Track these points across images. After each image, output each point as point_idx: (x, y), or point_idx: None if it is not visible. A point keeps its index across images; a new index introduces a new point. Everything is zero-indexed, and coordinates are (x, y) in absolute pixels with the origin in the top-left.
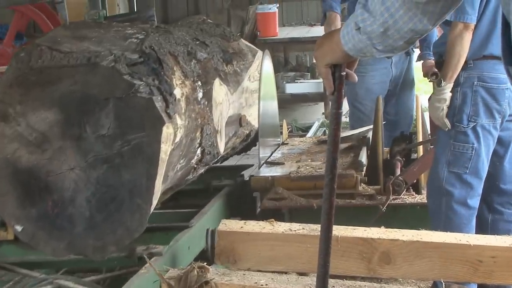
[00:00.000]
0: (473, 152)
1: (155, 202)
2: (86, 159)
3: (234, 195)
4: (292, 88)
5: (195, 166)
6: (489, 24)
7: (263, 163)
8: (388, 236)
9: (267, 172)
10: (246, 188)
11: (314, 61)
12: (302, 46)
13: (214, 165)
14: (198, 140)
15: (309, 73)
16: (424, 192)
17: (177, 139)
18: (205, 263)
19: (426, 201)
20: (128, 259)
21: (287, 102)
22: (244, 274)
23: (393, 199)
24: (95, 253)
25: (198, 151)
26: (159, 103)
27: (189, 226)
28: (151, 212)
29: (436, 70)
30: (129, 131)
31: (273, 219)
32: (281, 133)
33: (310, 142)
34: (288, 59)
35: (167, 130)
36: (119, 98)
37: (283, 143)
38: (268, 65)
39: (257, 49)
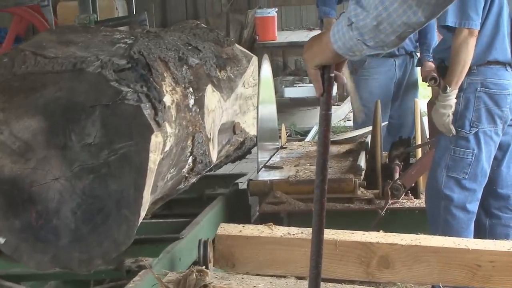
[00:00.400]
0: (473, 157)
1: (143, 213)
2: (72, 169)
3: (228, 204)
4: (290, 92)
5: (187, 175)
6: (492, 29)
7: (261, 167)
8: (386, 240)
9: (265, 176)
10: (240, 197)
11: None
12: (301, 50)
13: (208, 173)
14: (190, 149)
15: (308, 78)
16: (423, 196)
17: (167, 148)
18: (204, 267)
19: (424, 206)
20: (117, 272)
21: (285, 106)
22: (242, 278)
23: (392, 203)
24: (80, 266)
25: (190, 160)
26: (147, 111)
27: (179, 237)
28: (139, 224)
29: (435, 74)
30: (116, 140)
31: (271, 223)
32: (280, 137)
33: (308, 146)
34: (287, 63)
35: (156, 139)
36: (106, 106)
37: (281, 147)
38: (267, 69)
39: (251, 54)
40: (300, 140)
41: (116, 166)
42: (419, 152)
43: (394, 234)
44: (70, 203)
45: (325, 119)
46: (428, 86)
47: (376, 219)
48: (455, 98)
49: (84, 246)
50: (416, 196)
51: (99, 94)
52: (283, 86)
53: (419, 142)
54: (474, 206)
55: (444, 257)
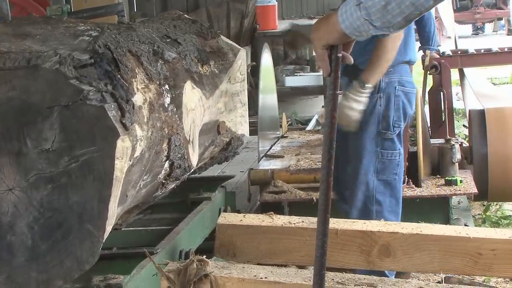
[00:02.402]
0: (400, 157)
1: (109, 228)
2: (27, 178)
3: (214, 209)
4: (291, 81)
5: (163, 181)
6: (405, 31)
7: (262, 156)
8: (387, 229)
9: (266, 165)
10: (228, 201)
11: (314, 53)
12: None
13: (192, 176)
14: (165, 153)
15: (309, 66)
16: (424, 185)
17: (137, 153)
18: (204, 256)
19: (425, 194)
20: None
21: (286, 95)
22: (243, 267)
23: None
24: None
25: (166, 164)
26: (112, 112)
27: (154, 252)
28: (104, 239)
29: (436, 63)
30: (77, 145)
31: (272, 212)
32: (281, 126)
33: (309, 135)
34: (288, 52)
35: (122, 144)
36: (65, 107)
37: (282, 136)
38: (267, 58)
39: (239, 47)
40: (301, 129)
41: (78, 175)
42: (420, 140)
43: (395, 222)
44: (26, 217)
45: (332, 98)
46: (429, 74)
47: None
48: (374, 99)
49: (42, 265)
50: (418, 185)
51: (57, 93)
52: (284, 75)
53: (419, 130)
54: (400, 208)
55: (445, 246)
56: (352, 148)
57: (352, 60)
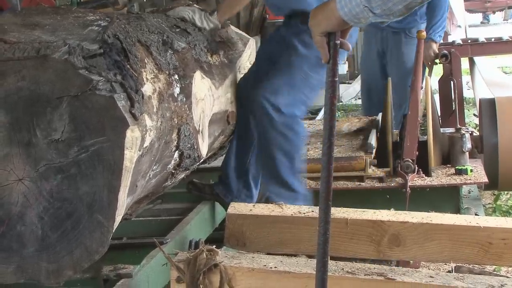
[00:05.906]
0: None
1: (119, 218)
2: (37, 168)
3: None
4: None
5: (173, 171)
6: None
7: None
8: (397, 219)
9: None
10: None
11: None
12: None
13: (201, 166)
14: (175, 143)
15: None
16: (434, 174)
17: (147, 143)
18: (214, 246)
19: (435, 184)
20: (93, 282)
21: None
22: (253, 257)
23: (404, 181)
24: (49, 278)
25: (176, 154)
26: (121, 102)
27: (164, 242)
28: (114, 229)
29: (446, 52)
30: (87, 135)
31: (282, 202)
32: None
33: (319, 125)
34: None
35: (132, 134)
36: (74, 97)
37: None
38: None
39: (248, 37)
40: (310, 119)
41: (87, 165)
42: (430, 129)
43: (405, 212)
44: (36, 207)
45: (331, 86)
46: (439, 63)
47: (407, 199)
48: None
49: (52, 255)
50: (428, 174)
51: (67, 83)
52: None
53: (430, 119)
54: None
55: (455, 235)
56: None
57: (350, 47)
